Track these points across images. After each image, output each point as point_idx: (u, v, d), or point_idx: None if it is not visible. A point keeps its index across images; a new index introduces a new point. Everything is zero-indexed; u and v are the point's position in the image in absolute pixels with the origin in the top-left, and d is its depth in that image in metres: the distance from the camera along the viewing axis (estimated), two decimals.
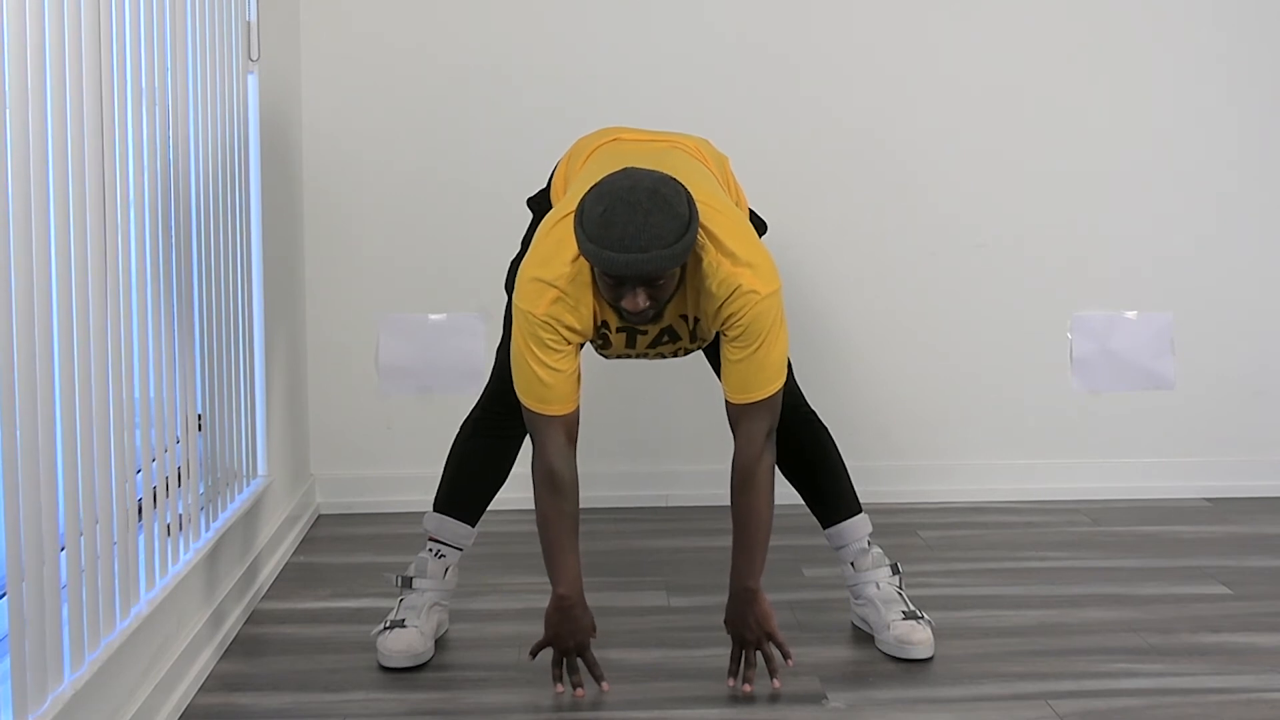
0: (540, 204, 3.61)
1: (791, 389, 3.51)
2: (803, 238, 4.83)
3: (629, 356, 3.41)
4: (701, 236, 3.13)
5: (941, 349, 5.00)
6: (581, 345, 3.24)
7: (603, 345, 3.33)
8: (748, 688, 3.25)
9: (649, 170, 3.02)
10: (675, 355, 3.45)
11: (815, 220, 4.88)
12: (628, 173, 3.01)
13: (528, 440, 3.44)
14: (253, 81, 4.15)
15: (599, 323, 3.24)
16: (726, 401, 3.25)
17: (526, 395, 3.20)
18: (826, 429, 3.69)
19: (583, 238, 2.96)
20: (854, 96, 4.90)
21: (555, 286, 3.13)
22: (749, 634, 3.25)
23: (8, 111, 2.41)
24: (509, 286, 3.49)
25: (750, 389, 3.20)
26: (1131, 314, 5.03)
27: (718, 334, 3.23)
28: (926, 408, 5.02)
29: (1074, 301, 5.01)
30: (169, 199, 3.35)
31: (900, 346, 4.99)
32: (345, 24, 4.80)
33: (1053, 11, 4.91)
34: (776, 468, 3.42)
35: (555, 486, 3.24)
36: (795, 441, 3.56)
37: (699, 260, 3.14)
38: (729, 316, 3.14)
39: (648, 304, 3.01)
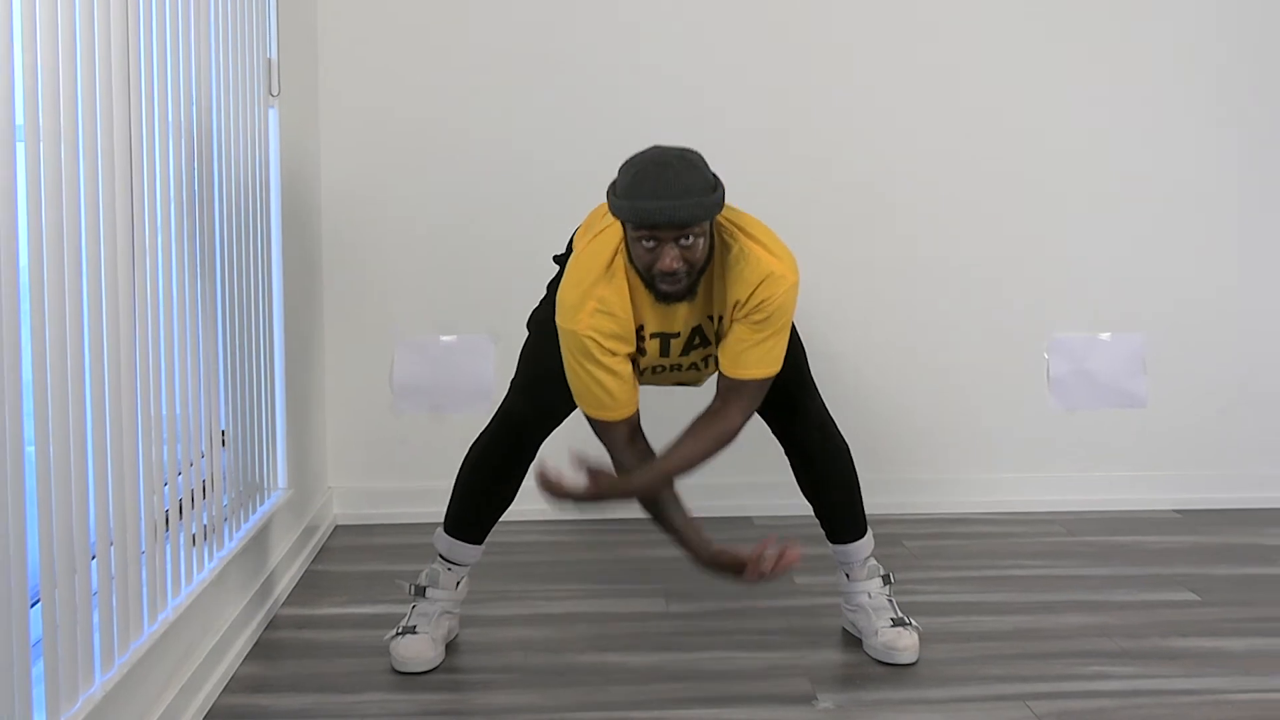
0: (565, 261, 3.60)
1: (819, 408, 3.57)
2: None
3: (663, 371, 3.39)
4: (730, 226, 3.21)
5: (926, 370, 5.01)
6: (629, 355, 3.25)
7: (638, 354, 3.32)
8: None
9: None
10: (703, 367, 3.42)
11: (806, 250, 4.88)
12: (654, 147, 3.10)
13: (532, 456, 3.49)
14: (273, 115, 4.15)
15: (636, 326, 3.25)
16: (720, 375, 3.30)
17: (586, 404, 3.25)
18: (849, 452, 3.66)
19: (615, 201, 3.01)
20: (846, 132, 4.91)
21: (591, 296, 3.16)
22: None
23: (41, 144, 2.42)
24: (530, 324, 3.52)
25: (748, 366, 3.24)
26: (1105, 335, 5.04)
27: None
28: (911, 425, 5.03)
29: (1051, 324, 5.01)
30: (195, 227, 3.35)
31: (888, 368, 5.00)
32: (361, 61, 4.81)
33: (1032, 47, 4.92)
34: (797, 484, 3.63)
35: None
36: (817, 465, 3.59)
37: (727, 248, 3.20)
38: (762, 301, 3.18)
39: (681, 265, 3.03)
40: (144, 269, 2.97)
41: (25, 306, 2.37)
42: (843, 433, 4.65)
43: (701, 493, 4.87)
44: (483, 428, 3.60)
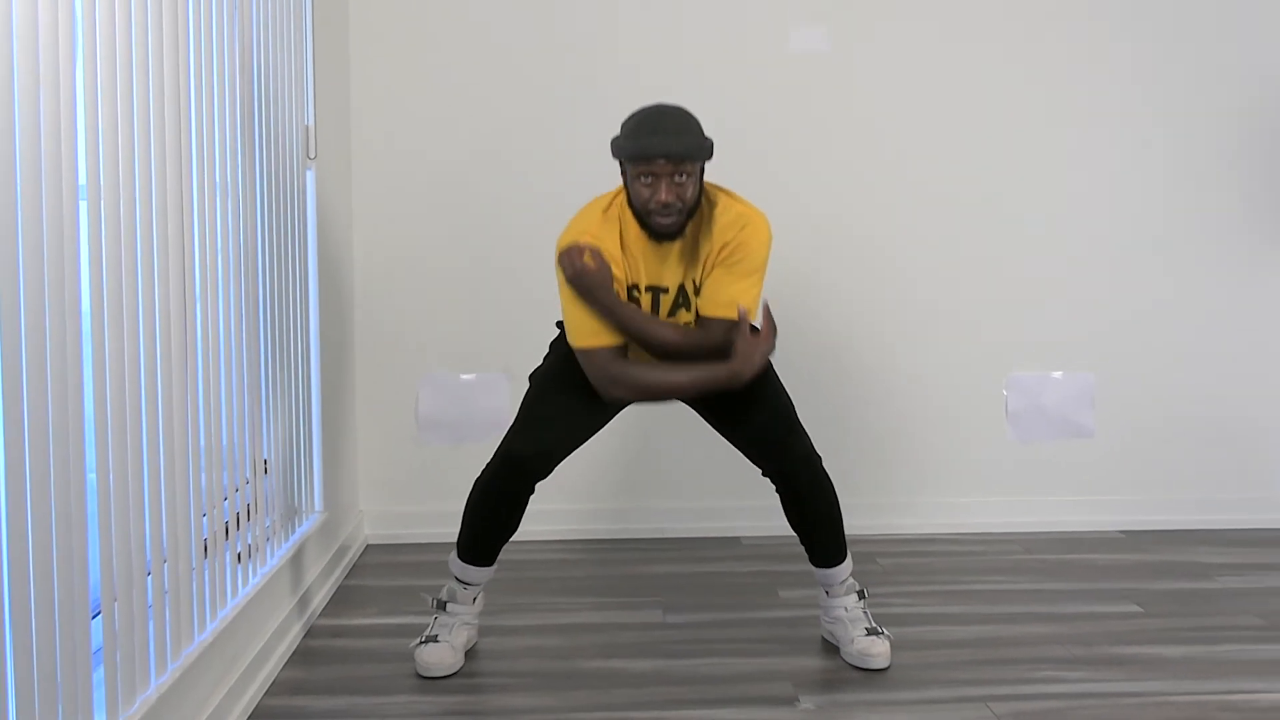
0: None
1: (807, 445, 3.54)
2: (777, 312, 4.86)
3: None
4: (713, 190, 3.35)
5: (898, 405, 5.01)
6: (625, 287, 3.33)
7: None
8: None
9: None
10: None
11: (790, 296, 4.90)
12: (653, 104, 3.28)
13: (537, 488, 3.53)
14: (310, 176, 4.17)
15: (629, 285, 3.33)
16: (698, 318, 3.38)
17: (578, 335, 3.29)
18: (833, 487, 3.60)
19: (619, 143, 3.18)
20: (824, 186, 4.93)
21: (586, 233, 3.28)
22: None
23: (102, 201, 2.43)
24: (531, 378, 3.54)
25: (721, 305, 3.32)
26: (1058, 374, 5.04)
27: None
28: (885, 454, 5.02)
29: (1010, 363, 5.02)
30: (240, 276, 3.37)
31: (864, 402, 5.00)
32: (389, 126, 4.83)
33: (988, 120, 4.95)
34: (785, 516, 3.60)
35: (645, 368, 3.35)
36: (805, 500, 3.55)
37: (712, 205, 3.32)
38: (739, 245, 3.28)
39: (675, 199, 3.16)
40: (195, 314, 2.98)
41: (87, 348, 2.39)
42: (828, 461, 4.63)
43: (693, 515, 4.91)
44: (486, 462, 3.59)
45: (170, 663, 2.75)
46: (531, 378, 3.57)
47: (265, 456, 3.65)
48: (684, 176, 3.17)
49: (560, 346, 3.56)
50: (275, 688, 3.36)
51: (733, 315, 3.30)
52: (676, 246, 3.32)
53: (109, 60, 2.47)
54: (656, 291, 3.36)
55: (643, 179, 3.18)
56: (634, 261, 3.33)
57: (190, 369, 2.93)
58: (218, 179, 3.18)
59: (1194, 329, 5.06)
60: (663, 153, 3.12)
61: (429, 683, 3.41)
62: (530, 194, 4.84)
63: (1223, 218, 5.04)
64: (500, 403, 4.88)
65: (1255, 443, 5.11)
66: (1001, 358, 5.02)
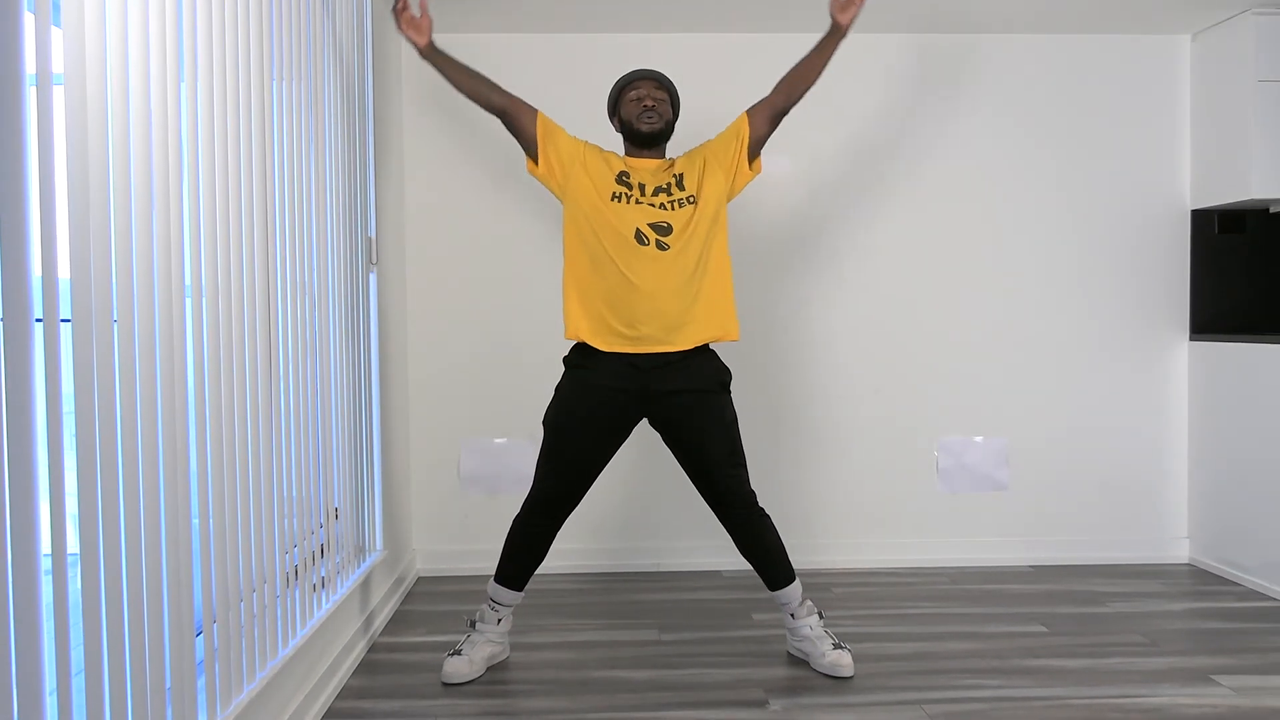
0: (570, 360, 3.63)
1: (747, 490, 3.52)
2: (742, 385, 4.87)
3: (642, 200, 3.47)
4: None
5: (847, 463, 5.01)
6: (557, 147, 3.54)
7: (626, 189, 3.48)
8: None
9: None
10: (670, 208, 3.48)
11: (762, 372, 4.92)
12: None
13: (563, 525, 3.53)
14: (373, 278, 4.21)
15: (618, 174, 3.50)
16: (766, 104, 3.62)
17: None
18: (769, 519, 3.59)
19: (613, 91, 3.61)
20: (793, 280, 4.97)
21: (587, 141, 3.62)
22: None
23: (204, 298, 2.46)
24: (545, 423, 3.54)
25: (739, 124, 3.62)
26: (979, 438, 5.05)
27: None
28: (838, 503, 5.02)
29: (941, 429, 5.03)
30: (317, 360, 3.39)
31: (819, 462, 5.00)
32: (437, 236, 4.87)
33: (921, 226, 5.00)
34: (736, 548, 3.56)
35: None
36: (750, 533, 3.54)
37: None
38: (714, 140, 3.61)
39: (654, 102, 3.50)
40: (280, 391, 3.00)
41: (192, 415, 2.41)
42: (791, 510, 4.62)
43: (682, 553, 4.88)
44: (521, 504, 3.59)
45: (259, 672, 2.75)
46: (545, 422, 3.54)
47: (336, 505, 3.66)
48: (662, 95, 3.55)
49: (563, 387, 3.54)
50: (344, 693, 3.35)
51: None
52: (652, 164, 3.57)
53: (209, 186, 2.51)
54: (639, 183, 3.50)
55: (632, 95, 3.54)
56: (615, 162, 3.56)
57: (276, 434, 2.95)
58: (299, 281, 3.22)
59: (1094, 400, 5.07)
60: (646, 75, 3.58)
61: (468, 687, 3.40)
62: (546, 291, 4.86)
63: (1119, 310, 5.07)
64: (526, 462, 4.88)
65: (1138, 495, 5.10)
66: (933, 424, 5.03)
